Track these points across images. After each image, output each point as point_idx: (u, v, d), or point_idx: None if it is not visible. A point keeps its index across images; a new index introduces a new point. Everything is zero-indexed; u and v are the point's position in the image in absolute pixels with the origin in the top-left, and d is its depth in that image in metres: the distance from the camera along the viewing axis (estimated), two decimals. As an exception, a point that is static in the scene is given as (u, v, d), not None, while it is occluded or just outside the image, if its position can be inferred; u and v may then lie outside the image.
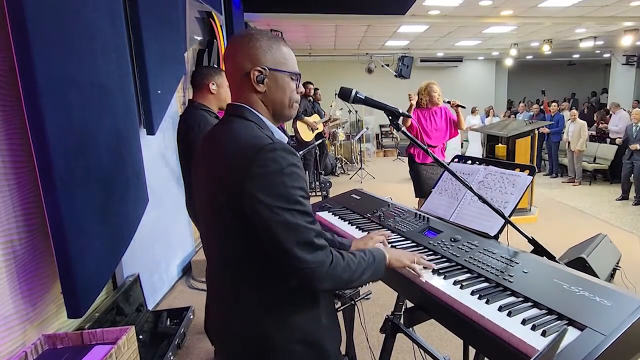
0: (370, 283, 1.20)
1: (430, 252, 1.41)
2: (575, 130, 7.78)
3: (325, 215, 1.90)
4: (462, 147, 10.58)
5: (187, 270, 3.95)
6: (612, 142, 8.04)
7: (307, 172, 6.94)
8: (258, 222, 0.95)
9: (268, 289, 1.04)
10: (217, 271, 1.13)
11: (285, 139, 1.09)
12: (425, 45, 10.94)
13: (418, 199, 4.30)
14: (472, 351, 1.82)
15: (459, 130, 4.36)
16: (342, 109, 9.60)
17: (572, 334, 0.92)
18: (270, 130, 1.06)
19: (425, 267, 1.27)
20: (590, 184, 7.91)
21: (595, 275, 2.63)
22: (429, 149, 1.36)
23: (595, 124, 8.93)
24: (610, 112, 8.91)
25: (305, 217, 0.97)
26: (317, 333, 1.08)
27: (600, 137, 8.80)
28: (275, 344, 1.03)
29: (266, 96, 1.07)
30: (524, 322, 0.98)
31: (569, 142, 7.93)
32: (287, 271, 1.00)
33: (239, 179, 0.94)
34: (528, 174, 1.51)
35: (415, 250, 1.43)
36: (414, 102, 4.10)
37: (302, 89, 1.14)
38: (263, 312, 1.03)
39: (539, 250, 1.34)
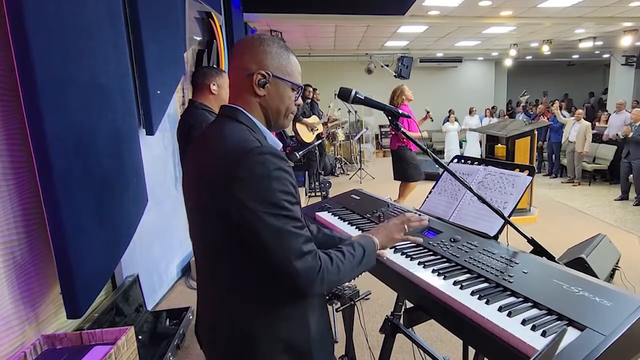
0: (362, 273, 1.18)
1: (430, 252, 1.41)
2: (581, 131, 7.73)
3: (325, 216, 1.90)
4: (461, 147, 10.59)
5: (186, 271, 3.95)
6: (611, 141, 8.00)
7: (309, 172, 6.96)
8: (244, 226, 0.93)
9: (253, 293, 1.02)
10: (204, 272, 1.12)
11: (279, 145, 1.07)
12: (424, 45, 10.94)
13: (413, 183, 5.19)
14: (471, 351, 1.82)
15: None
16: (340, 109, 9.61)
17: (571, 334, 0.91)
18: (263, 135, 1.05)
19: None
20: (589, 184, 7.92)
21: (595, 276, 2.63)
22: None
23: (605, 125, 8.84)
24: (610, 112, 8.85)
25: (292, 223, 0.95)
26: (305, 343, 1.06)
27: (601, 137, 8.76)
28: (259, 351, 1.01)
29: (264, 101, 1.06)
30: (523, 322, 0.98)
31: (570, 142, 7.91)
32: (275, 277, 0.98)
33: (225, 181, 0.93)
34: (527, 174, 1.51)
35: (415, 251, 1.43)
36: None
37: (300, 102, 1.14)
38: (248, 316, 1.02)
39: (538, 250, 1.34)
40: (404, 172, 5.14)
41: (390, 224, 1.24)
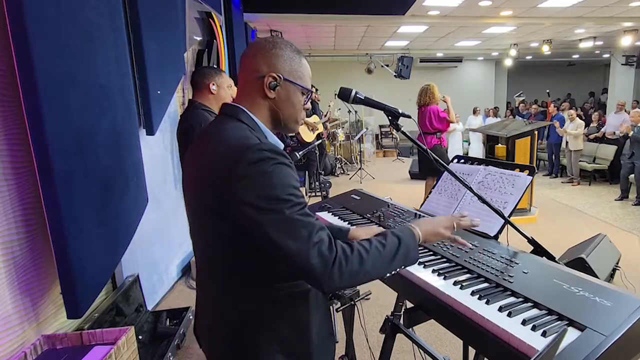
0: (403, 267, 1.03)
1: (430, 252, 1.41)
2: (573, 130, 7.78)
3: (325, 216, 1.90)
4: (463, 147, 10.58)
5: (186, 271, 3.95)
6: (610, 141, 8.01)
7: (309, 172, 6.96)
8: (247, 223, 0.91)
9: (252, 294, 1.01)
10: (204, 272, 1.11)
11: (281, 145, 1.05)
12: (425, 45, 10.95)
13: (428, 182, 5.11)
14: (471, 351, 1.82)
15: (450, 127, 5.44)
16: (340, 109, 9.60)
17: (572, 334, 0.92)
18: (263, 134, 1.04)
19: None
20: (589, 184, 7.91)
21: (595, 276, 2.63)
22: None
23: (596, 125, 8.89)
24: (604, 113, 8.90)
25: (298, 212, 0.91)
26: (302, 347, 1.04)
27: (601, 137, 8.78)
28: (256, 352, 1.01)
29: (274, 103, 1.06)
30: (524, 322, 0.98)
31: (566, 142, 7.94)
32: (291, 272, 0.97)
33: (226, 180, 0.92)
34: (528, 174, 1.51)
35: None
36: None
37: (308, 106, 1.13)
38: (246, 317, 1.01)
39: (538, 250, 1.34)
40: (429, 167, 5.07)
41: (437, 218, 1.15)
